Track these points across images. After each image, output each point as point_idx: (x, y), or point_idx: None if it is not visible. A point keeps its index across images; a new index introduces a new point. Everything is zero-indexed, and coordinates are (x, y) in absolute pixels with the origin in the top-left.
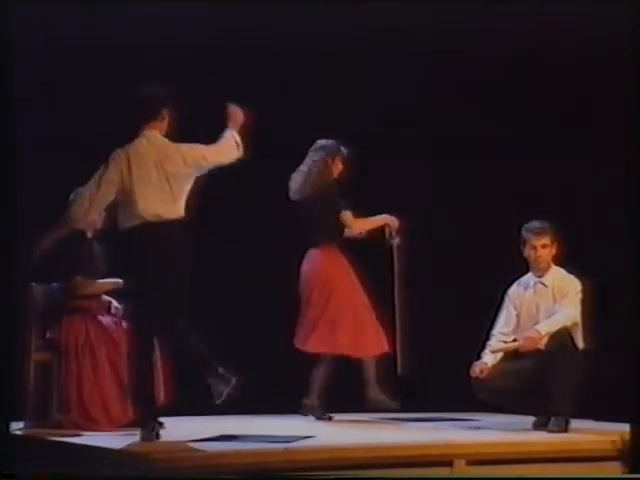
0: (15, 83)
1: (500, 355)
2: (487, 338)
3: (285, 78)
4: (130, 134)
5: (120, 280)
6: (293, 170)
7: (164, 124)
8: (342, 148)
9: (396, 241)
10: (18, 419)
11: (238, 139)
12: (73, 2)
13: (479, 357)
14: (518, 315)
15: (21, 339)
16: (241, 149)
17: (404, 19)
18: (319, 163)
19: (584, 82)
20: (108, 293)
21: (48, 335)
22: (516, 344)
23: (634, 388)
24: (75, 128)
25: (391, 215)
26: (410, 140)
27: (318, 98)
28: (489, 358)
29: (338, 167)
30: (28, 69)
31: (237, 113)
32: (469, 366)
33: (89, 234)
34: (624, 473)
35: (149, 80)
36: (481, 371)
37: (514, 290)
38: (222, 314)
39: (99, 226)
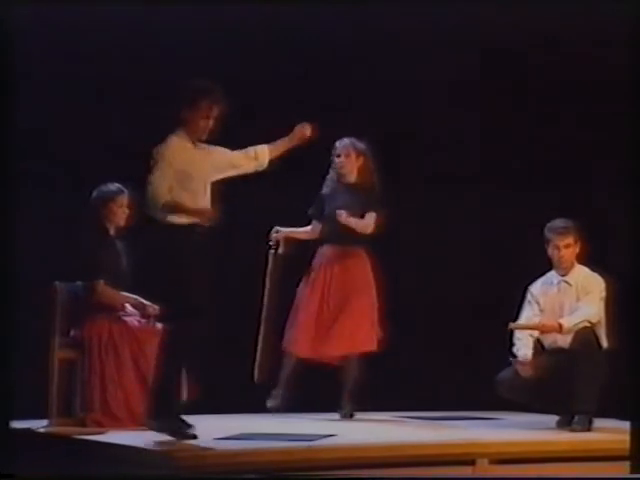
0: (15, 82)
1: (532, 342)
2: (510, 336)
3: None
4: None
5: (138, 297)
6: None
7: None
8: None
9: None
10: (42, 417)
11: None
12: (73, 2)
13: (511, 355)
14: (542, 312)
15: (45, 337)
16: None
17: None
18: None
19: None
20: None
21: (72, 333)
22: (538, 323)
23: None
24: (77, 128)
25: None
26: (418, 142)
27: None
28: (526, 350)
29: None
30: (28, 67)
31: (304, 132)
32: (487, 364)
33: (112, 232)
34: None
35: (150, 79)
36: (527, 365)
37: (537, 287)
38: (242, 313)
39: (123, 223)
